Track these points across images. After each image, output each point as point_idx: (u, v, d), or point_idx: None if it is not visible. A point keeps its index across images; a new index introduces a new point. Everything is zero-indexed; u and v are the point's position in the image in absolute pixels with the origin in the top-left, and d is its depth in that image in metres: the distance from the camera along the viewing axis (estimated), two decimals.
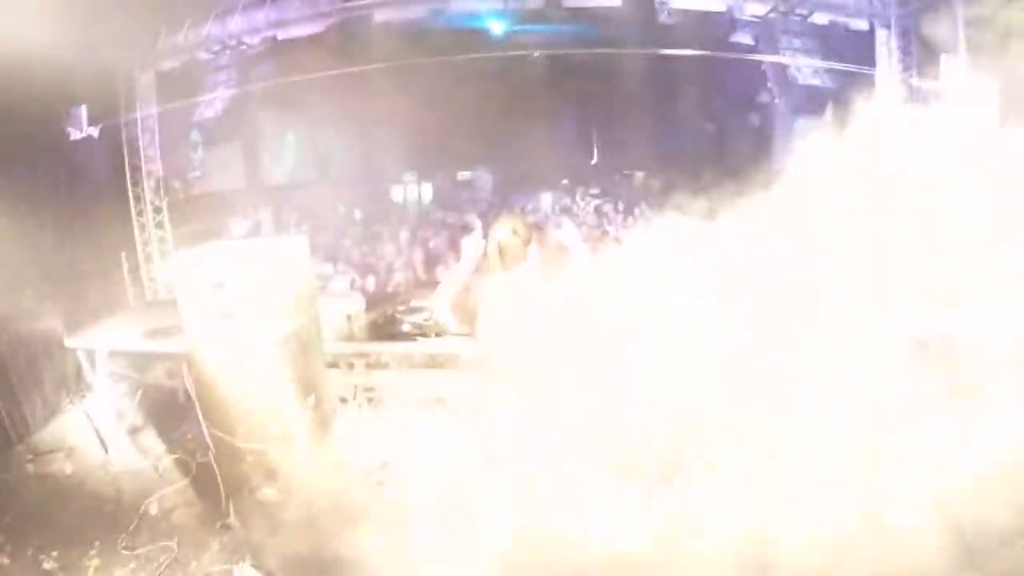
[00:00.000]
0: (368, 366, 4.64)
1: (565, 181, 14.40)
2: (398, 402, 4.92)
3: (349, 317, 4.03)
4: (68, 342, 4.49)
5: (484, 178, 19.19)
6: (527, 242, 2.75)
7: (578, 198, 12.33)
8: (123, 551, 3.59)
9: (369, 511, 3.71)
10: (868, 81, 8.12)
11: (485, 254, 2.76)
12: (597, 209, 11.63)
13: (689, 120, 12.64)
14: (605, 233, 9.29)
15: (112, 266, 6.45)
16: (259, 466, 2.98)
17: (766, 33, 8.52)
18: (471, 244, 2.80)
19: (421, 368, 4.89)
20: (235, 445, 2.96)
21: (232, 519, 3.61)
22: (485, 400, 2.95)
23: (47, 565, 3.51)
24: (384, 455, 4.50)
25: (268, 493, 3.03)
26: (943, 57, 6.65)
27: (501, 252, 2.71)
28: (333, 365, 3.90)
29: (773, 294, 3.55)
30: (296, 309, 2.95)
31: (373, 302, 4.35)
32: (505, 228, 2.74)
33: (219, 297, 2.73)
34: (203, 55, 7.29)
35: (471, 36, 8.32)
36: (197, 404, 3.40)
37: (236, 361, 2.79)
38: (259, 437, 2.91)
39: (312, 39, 7.12)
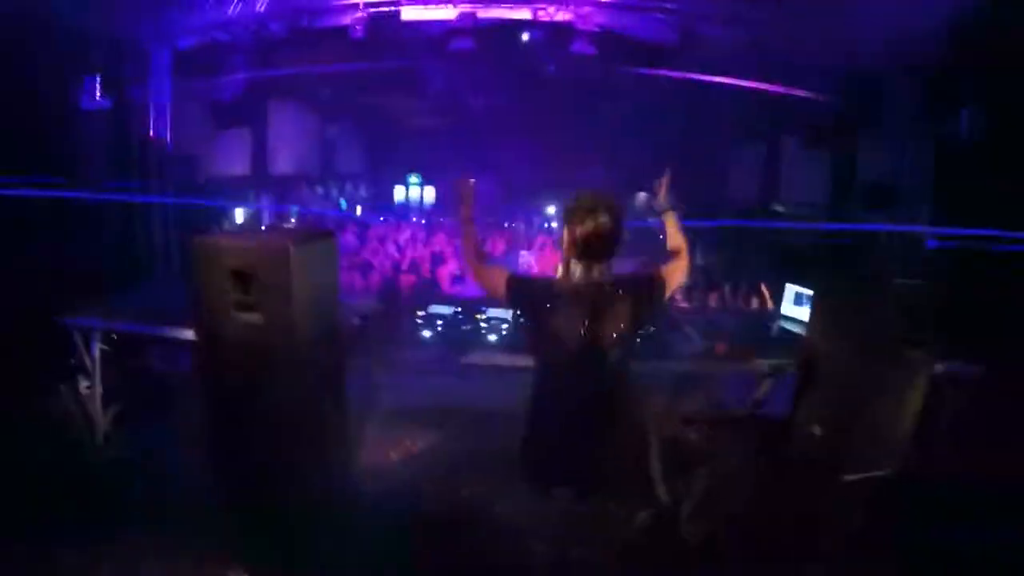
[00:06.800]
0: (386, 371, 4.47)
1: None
2: (412, 409, 4.76)
3: (363, 318, 3.87)
4: (60, 318, 4.26)
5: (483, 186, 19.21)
6: (620, 230, 1.95)
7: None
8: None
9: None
10: None
11: (561, 244, 2.04)
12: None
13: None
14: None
15: (114, 243, 6.25)
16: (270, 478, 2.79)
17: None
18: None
19: (437, 375, 4.73)
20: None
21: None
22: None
23: None
24: (397, 466, 4.34)
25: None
26: None
27: (586, 244, 1.93)
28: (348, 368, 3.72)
29: None
30: (323, 307, 2.79)
31: (387, 303, 4.19)
32: (591, 213, 1.92)
33: (245, 287, 2.56)
34: (222, 36, 7.13)
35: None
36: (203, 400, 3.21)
37: (256, 360, 2.61)
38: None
39: (337, 31, 6.98)
